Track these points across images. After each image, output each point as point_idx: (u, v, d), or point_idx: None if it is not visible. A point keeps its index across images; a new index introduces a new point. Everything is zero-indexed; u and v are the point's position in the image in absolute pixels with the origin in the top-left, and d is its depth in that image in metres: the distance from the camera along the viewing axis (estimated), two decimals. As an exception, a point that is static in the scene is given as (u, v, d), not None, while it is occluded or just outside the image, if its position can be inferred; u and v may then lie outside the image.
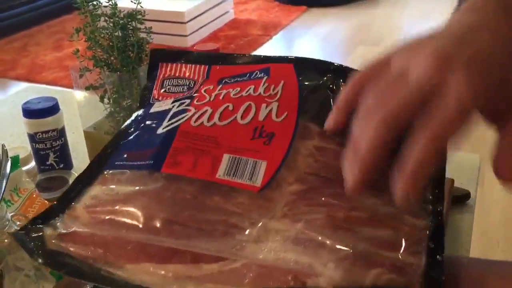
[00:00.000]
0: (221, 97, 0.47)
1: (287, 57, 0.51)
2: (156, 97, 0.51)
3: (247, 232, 0.37)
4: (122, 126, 0.49)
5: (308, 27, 2.20)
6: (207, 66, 0.52)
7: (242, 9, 2.47)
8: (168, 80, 0.52)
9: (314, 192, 0.39)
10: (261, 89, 0.46)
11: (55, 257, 0.38)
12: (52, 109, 0.83)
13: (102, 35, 0.73)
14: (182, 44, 2.00)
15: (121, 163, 0.44)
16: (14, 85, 1.78)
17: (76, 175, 0.81)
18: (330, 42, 2.02)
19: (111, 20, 0.74)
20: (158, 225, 0.38)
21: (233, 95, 0.46)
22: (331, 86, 0.47)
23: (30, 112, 0.82)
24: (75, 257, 0.38)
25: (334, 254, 0.34)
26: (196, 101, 0.47)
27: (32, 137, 0.83)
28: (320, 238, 0.36)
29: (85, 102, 0.79)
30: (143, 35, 0.77)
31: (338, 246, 0.35)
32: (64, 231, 0.40)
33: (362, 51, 1.84)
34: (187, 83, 0.51)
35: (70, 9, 2.59)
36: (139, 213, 0.39)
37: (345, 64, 0.49)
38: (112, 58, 0.74)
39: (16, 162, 0.73)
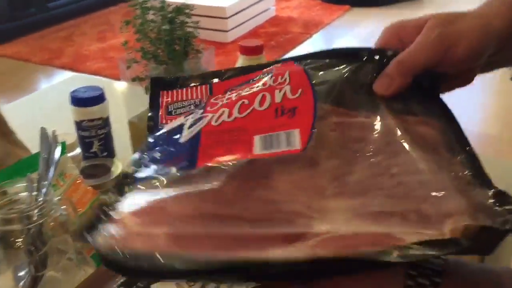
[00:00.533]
0: (233, 98, 0.47)
1: (287, 58, 0.52)
2: (163, 122, 0.50)
3: (308, 216, 0.37)
4: (135, 156, 0.46)
5: (350, 27, 2.18)
6: (208, 85, 0.53)
7: (283, 6, 2.46)
8: (172, 105, 0.51)
9: (352, 165, 0.40)
10: (269, 82, 0.47)
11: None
12: (99, 98, 0.85)
13: (151, 28, 0.75)
14: (222, 39, 2.02)
15: (157, 167, 0.43)
16: (58, 74, 1.83)
17: (119, 163, 0.84)
18: (371, 43, 2.00)
19: (160, 13, 0.75)
20: (214, 222, 0.37)
21: (245, 93, 0.47)
22: (336, 67, 0.48)
23: (77, 100, 0.84)
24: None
25: (405, 220, 0.35)
26: (210, 108, 0.47)
27: (79, 125, 0.85)
28: (383, 209, 0.36)
29: (131, 93, 0.80)
30: (190, 29, 0.78)
31: (404, 212, 0.36)
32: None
33: (404, 53, 1.82)
34: (193, 103, 0.51)
35: (115, 1, 2.64)
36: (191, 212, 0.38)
37: None
38: (159, 50, 0.75)
39: (63, 148, 0.76)
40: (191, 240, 0.36)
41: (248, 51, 0.85)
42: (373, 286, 0.36)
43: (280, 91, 0.45)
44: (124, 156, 0.90)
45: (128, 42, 0.75)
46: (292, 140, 0.41)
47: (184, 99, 0.52)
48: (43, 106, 1.19)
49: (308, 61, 0.50)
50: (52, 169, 0.61)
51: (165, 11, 0.75)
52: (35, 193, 0.62)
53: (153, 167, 0.43)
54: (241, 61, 0.87)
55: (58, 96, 1.19)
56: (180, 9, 0.75)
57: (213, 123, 0.45)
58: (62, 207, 0.65)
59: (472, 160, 0.39)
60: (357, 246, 0.34)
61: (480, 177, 0.38)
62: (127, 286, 0.55)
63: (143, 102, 0.79)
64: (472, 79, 0.52)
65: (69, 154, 0.81)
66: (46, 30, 2.36)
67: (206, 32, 2.05)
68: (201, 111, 0.47)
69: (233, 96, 0.47)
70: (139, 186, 0.41)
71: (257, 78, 0.49)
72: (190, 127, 0.45)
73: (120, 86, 0.81)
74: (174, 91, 0.53)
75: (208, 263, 0.34)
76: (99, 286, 0.59)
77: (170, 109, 0.51)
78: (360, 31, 2.15)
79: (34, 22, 2.33)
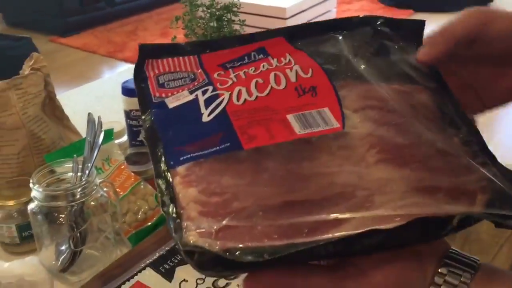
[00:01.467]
0: (243, 77, 0.46)
1: (273, 31, 0.51)
2: (157, 95, 0.46)
3: (364, 188, 0.38)
4: (143, 130, 0.44)
5: (411, 32, 2.14)
6: (196, 56, 0.50)
7: (345, 9, 2.45)
8: (162, 76, 0.48)
9: (386, 134, 0.41)
10: (274, 63, 0.47)
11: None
12: (148, 89, 0.89)
13: (199, 24, 0.78)
14: (280, 39, 2.03)
15: (189, 155, 0.40)
16: (120, 66, 1.90)
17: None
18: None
19: (208, 10, 0.78)
20: (277, 208, 0.36)
21: (253, 72, 0.46)
22: (332, 41, 0.49)
23: (127, 91, 0.88)
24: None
25: (449, 196, 0.38)
26: (220, 85, 0.45)
27: (127, 114, 0.90)
28: (430, 183, 0.38)
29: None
30: (237, 27, 0.80)
31: (445, 187, 0.38)
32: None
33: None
34: (187, 76, 0.48)
35: (179, -2, 2.72)
36: (251, 201, 0.37)
37: None
38: (205, 46, 0.78)
39: (110, 135, 0.80)
40: (268, 231, 0.35)
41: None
42: (398, 277, 0.36)
43: (291, 71, 0.45)
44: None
45: (177, 38, 0.78)
46: (328, 118, 0.42)
47: (173, 70, 0.48)
48: (99, 95, 1.26)
49: (300, 41, 0.50)
50: (95, 152, 0.65)
51: (213, 9, 0.78)
52: (79, 173, 0.67)
53: (183, 150, 0.40)
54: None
55: (114, 86, 1.25)
56: (228, 7, 0.78)
57: (235, 102, 0.43)
58: (104, 189, 0.70)
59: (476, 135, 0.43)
60: (421, 214, 0.35)
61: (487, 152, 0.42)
62: (154, 266, 0.58)
63: (188, 95, 0.83)
64: None
65: (116, 141, 0.85)
66: (113, 24, 2.46)
67: (264, 32, 2.08)
68: (211, 87, 0.45)
69: (241, 73, 0.46)
70: (179, 170, 0.39)
71: (253, 58, 0.48)
72: (207, 105, 0.43)
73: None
74: (159, 61, 0.49)
75: (289, 250, 0.34)
76: (132, 264, 0.63)
77: (161, 81, 0.47)
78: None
79: (102, 16, 2.44)
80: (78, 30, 2.42)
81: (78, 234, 0.66)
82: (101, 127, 0.66)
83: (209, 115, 0.43)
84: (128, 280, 0.56)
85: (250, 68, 0.47)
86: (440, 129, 0.43)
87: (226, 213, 0.35)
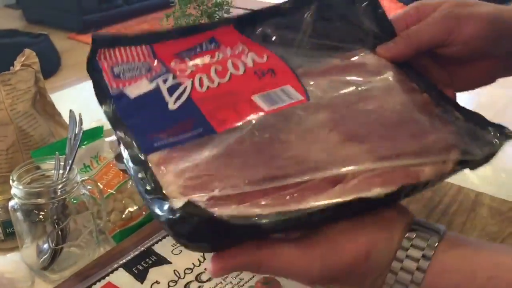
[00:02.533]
0: (200, 65, 0.47)
1: (221, 20, 0.54)
2: (113, 86, 0.46)
3: (336, 161, 0.39)
4: (107, 119, 0.45)
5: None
6: (148, 46, 0.49)
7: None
8: (117, 67, 0.47)
9: (347, 114, 0.43)
10: (228, 52, 0.48)
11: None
12: (141, 87, 0.88)
13: (189, 22, 0.77)
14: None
15: (163, 142, 0.41)
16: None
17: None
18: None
19: (200, 7, 0.77)
20: (260, 181, 0.38)
21: (209, 61, 0.47)
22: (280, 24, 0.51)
23: (121, 88, 0.88)
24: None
25: (419, 156, 0.40)
26: (179, 73, 0.46)
27: (121, 111, 0.90)
28: (395, 151, 0.40)
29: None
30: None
31: (413, 151, 0.40)
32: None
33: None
34: (141, 65, 0.47)
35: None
36: (237, 174, 0.38)
37: None
38: (195, 44, 0.77)
39: (100, 132, 0.80)
40: (256, 199, 0.37)
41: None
42: (367, 243, 0.37)
43: (246, 57, 0.47)
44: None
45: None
46: (291, 93, 0.44)
47: (127, 61, 0.48)
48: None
49: (249, 28, 0.51)
50: (75, 150, 0.65)
51: (204, 6, 0.77)
52: (61, 171, 0.66)
53: (158, 136, 0.41)
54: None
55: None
56: (220, 4, 0.76)
57: (198, 89, 0.44)
58: (88, 187, 0.69)
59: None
60: (396, 179, 0.38)
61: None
62: (126, 267, 0.57)
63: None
64: (494, 79, 0.53)
65: (108, 139, 0.85)
66: (130, 22, 2.47)
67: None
68: (170, 76, 0.46)
69: (198, 62, 0.47)
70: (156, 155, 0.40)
71: (206, 48, 0.49)
72: (171, 93, 0.44)
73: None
74: (112, 51, 0.48)
75: (279, 217, 0.36)
76: (108, 264, 0.62)
77: (116, 72, 0.47)
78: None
79: (119, 14, 2.46)
80: (96, 28, 2.44)
81: (60, 232, 0.65)
82: (82, 125, 0.66)
83: (175, 102, 0.44)
84: (99, 280, 0.56)
85: (206, 56, 0.48)
86: (403, 91, 0.46)
87: (213, 187, 0.37)
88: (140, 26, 2.41)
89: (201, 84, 0.45)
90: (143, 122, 0.43)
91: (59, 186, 0.64)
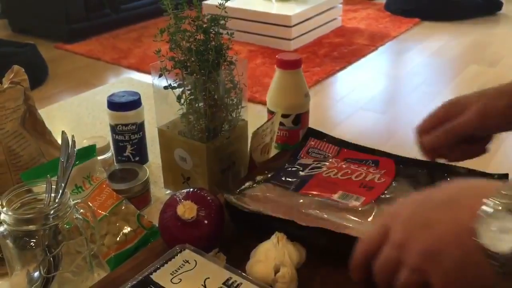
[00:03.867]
0: (344, 166, 0.76)
1: (391, 154, 0.78)
2: (302, 156, 0.81)
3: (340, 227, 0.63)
4: (285, 162, 0.80)
5: (418, 40, 2.08)
6: (338, 147, 0.81)
7: (350, 17, 2.40)
8: (312, 149, 0.82)
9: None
10: (371, 169, 0.75)
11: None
12: (134, 103, 0.86)
13: (184, 37, 0.74)
14: (285, 47, 1.99)
15: (275, 182, 0.75)
16: (125, 73, 1.89)
17: (147, 170, 0.84)
18: (440, 59, 1.90)
19: (195, 23, 0.75)
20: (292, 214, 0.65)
21: (353, 167, 0.75)
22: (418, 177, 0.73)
23: (113, 105, 0.85)
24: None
25: None
26: (329, 164, 0.77)
27: (113, 128, 0.87)
28: None
29: (163, 101, 0.80)
30: (225, 40, 0.77)
31: None
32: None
33: (475, 71, 1.71)
34: (324, 154, 0.80)
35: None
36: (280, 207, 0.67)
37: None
38: (191, 60, 0.75)
39: (93, 151, 0.77)
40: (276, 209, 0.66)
41: (285, 65, 0.83)
42: None
43: (373, 175, 0.73)
44: (157, 162, 0.91)
45: (162, 51, 0.75)
46: (358, 201, 0.68)
47: (321, 149, 0.82)
48: (89, 107, 1.23)
49: (402, 165, 0.75)
50: (67, 174, 0.62)
51: (200, 21, 0.75)
52: (53, 194, 0.64)
53: (280, 178, 0.75)
54: (277, 75, 0.84)
55: (104, 98, 1.23)
56: (215, 19, 0.74)
57: (323, 174, 0.74)
58: (80, 210, 0.66)
59: None
60: None
61: None
62: (122, 299, 0.54)
63: (174, 110, 0.79)
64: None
65: (101, 157, 0.82)
66: (118, 31, 2.44)
67: (269, 40, 2.04)
68: (325, 163, 0.77)
69: (346, 165, 0.76)
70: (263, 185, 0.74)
71: (367, 163, 0.76)
72: (311, 169, 0.76)
73: (155, 93, 0.81)
74: (318, 141, 0.83)
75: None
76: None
77: (309, 151, 0.82)
78: (429, 45, 2.05)
79: (107, 23, 2.42)
80: (83, 37, 2.40)
81: (51, 259, 0.62)
82: (74, 147, 0.63)
83: (305, 172, 0.76)
84: (95, 312, 0.53)
85: (354, 165, 0.76)
86: None
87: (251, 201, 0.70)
88: (128, 36, 2.38)
89: (328, 173, 0.74)
90: (286, 172, 0.77)
91: (51, 212, 0.61)
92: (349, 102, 1.43)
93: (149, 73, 1.95)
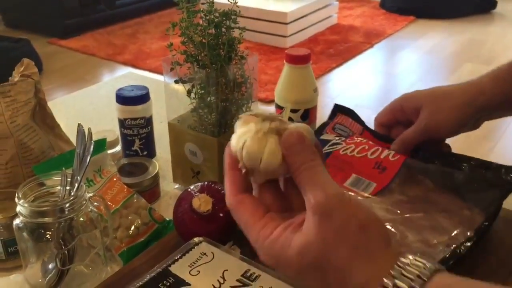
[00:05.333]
0: (363, 142, 0.75)
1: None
2: (327, 131, 0.80)
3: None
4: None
5: (414, 38, 2.10)
6: (362, 127, 0.81)
7: (346, 14, 2.42)
8: (338, 125, 0.81)
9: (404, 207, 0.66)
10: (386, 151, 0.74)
11: None
12: (143, 98, 0.86)
13: (196, 32, 0.75)
14: (281, 44, 2.00)
15: None
16: (120, 69, 1.88)
17: (156, 164, 0.84)
18: (435, 56, 1.92)
19: (207, 17, 0.75)
20: None
21: (371, 143, 0.74)
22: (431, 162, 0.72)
23: (122, 99, 0.85)
24: None
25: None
26: (348, 141, 0.75)
27: (122, 123, 0.87)
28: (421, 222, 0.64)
29: (173, 95, 0.81)
30: (236, 35, 0.77)
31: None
32: None
33: (470, 69, 1.73)
34: (348, 131, 0.80)
35: (180, 1, 2.69)
36: None
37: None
38: (202, 54, 0.75)
39: (103, 145, 0.77)
40: None
41: (294, 60, 0.83)
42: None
43: (388, 152, 0.73)
44: (164, 157, 0.91)
45: (174, 45, 0.75)
46: (368, 188, 0.69)
47: (346, 125, 0.81)
48: (94, 101, 1.23)
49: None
50: (84, 166, 0.62)
51: (212, 15, 0.75)
52: (68, 187, 0.64)
53: None
54: (286, 70, 0.85)
55: (110, 92, 1.22)
56: (227, 14, 0.75)
57: (341, 152, 0.74)
58: (94, 203, 0.66)
59: None
60: None
61: None
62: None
63: (184, 104, 0.79)
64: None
65: (110, 151, 0.82)
66: (113, 27, 2.43)
67: (265, 36, 2.04)
68: (343, 138, 0.76)
69: (364, 141, 0.75)
70: None
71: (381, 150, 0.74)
72: (331, 145, 0.75)
73: (166, 87, 0.81)
74: (344, 117, 0.82)
75: None
76: (124, 284, 0.59)
77: (335, 127, 0.81)
78: (425, 42, 2.06)
79: (102, 18, 2.41)
80: (78, 32, 2.39)
81: (66, 252, 0.62)
82: (91, 139, 0.63)
83: (324, 150, 0.74)
84: (116, 304, 0.53)
85: (371, 144, 0.74)
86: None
87: None
88: (123, 31, 2.37)
89: (345, 150, 0.73)
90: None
91: (67, 205, 0.61)
92: (345, 99, 1.44)
93: (144, 69, 1.95)
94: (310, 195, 0.38)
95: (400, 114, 0.75)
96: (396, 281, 0.35)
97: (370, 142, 0.75)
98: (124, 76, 1.58)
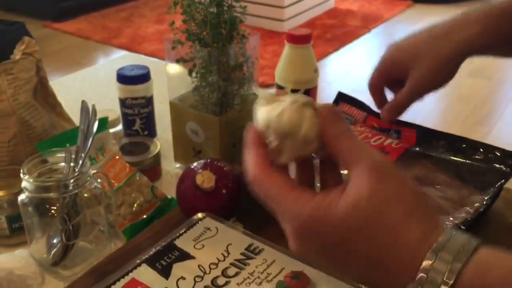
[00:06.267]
0: (366, 131, 0.78)
1: (414, 124, 0.77)
2: None
3: None
4: None
5: (411, 23, 2.10)
6: (365, 113, 0.81)
7: (343, -1, 2.42)
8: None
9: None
10: (392, 137, 0.76)
11: None
12: (144, 77, 0.86)
13: (198, 10, 0.75)
14: (278, 28, 2.00)
15: None
16: (116, 53, 1.87)
17: (158, 143, 0.84)
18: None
19: (208, -5, 0.75)
20: None
21: (374, 132, 0.77)
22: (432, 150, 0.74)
23: (123, 78, 0.85)
24: None
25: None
26: (352, 127, 0.76)
27: (123, 102, 0.87)
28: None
29: (174, 74, 0.81)
30: (237, 13, 0.77)
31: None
32: None
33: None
34: (351, 120, 0.81)
35: (176, -16, 2.67)
36: None
37: None
38: (204, 33, 0.75)
39: (105, 124, 0.77)
40: None
41: (295, 39, 0.83)
42: None
43: (391, 140, 0.75)
44: (165, 136, 0.91)
45: (175, 23, 0.75)
46: None
47: (348, 113, 0.82)
48: (93, 82, 1.23)
49: (424, 136, 0.76)
50: (89, 142, 0.63)
51: (213, -6, 0.75)
52: (72, 164, 0.64)
53: None
54: (287, 50, 0.85)
55: (109, 73, 1.21)
56: (228, -8, 0.75)
57: None
58: (98, 180, 0.67)
59: None
60: None
61: None
62: (150, 262, 0.55)
63: (185, 84, 0.80)
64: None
65: (111, 130, 0.82)
66: (108, 10, 2.41)
67: (262, 21, 2.03)
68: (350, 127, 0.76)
69: (367, 130, 0.78)
70: None
71: (389, 133, 0.77)
72: None
73: (167, 67, 0.82)
74: (347, 105, 0.83)
75: None
76: (129, 258, 0.60)
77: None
78: (422, 27, 2.06)
79: (97, 1, 2.39)
80: (72, 16, 2.37)
81: (71, 227, 0.63)
82: (96, 116, 0.63)
83: None
84: (123, 276, 0.54)
85: (376, 132, 0.78)
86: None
87: None
88: (118, 15, 2.35)
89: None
90: None
91: (72, 180, 0.61)
92: (342, 84, 1.45)
93: (140, 53, 1.94)
94: (361, 155, 0.37)
95: (388, 78, 0.72)
96: (442, 253, 0.33)
97: (374, 131, 0.77)
98: (123, 57, 1.58)
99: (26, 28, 1.96)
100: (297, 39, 0.83)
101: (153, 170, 0.82)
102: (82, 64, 1.58)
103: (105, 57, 1.81)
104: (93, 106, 0.64)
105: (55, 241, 0.64)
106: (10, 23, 1.98)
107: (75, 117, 0.84)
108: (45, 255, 0.65)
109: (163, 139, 0.91)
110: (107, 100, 1.08)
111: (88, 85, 1.20)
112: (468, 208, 0.63)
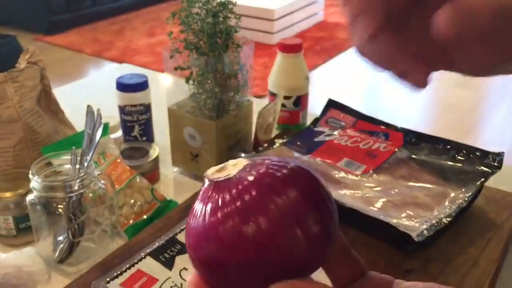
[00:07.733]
0: (355, 135, 0.83)
1: (401, 128, 0.83)
2: (321, 124, 0.88)
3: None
4: (305, 128, 0.91)
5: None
6: (355, 119, 0.86)
7: (332, 11, 2.47)
8: (331, 119, 0.88)
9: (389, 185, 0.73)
10: (380, 141, 0.81)
11: None
12: (142, 85, 0.90)
13: (195, 21, 0.79)
14: (268, 41, 2.05)
15: (292, 146, 0.83)
16: (107, 65, 1.90)
17: (156, 147, 0.88)
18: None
19: (205, 7, 0.79)
20: None
21: (363, 136, 0.82)
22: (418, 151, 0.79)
23: (122, 86, 0.89)
24: None
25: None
26: (342, 133, 0.83)
27: (122, 109, 0.90)
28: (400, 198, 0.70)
29: (172, 82, 0.85)
30: (232, 23, 0.81)
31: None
32: None
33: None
34: (340, 124, 0.87)
35: (166, -2, 2.71)
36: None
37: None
38: (201, 42, 0.79)
39: (106, 129, 0.81)
40: None
41: (287, 48, 0.88)
42: None
43: (379, 144, 0.80)
44: (162, 142, 0.95)
45: (173, 33, 0.79)
46: (359, 169, 0.76)
47: (338, 119, 0.88)
48: (91, 92, 1.26)
49: (410, 138, 0.81)
50: (94, 144, 0.66)
51: (209, 5, 0.79)
52: (77, 166, 0.67)
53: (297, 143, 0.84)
54: (279, 58, 0.89)
55: (105, 83, 1.25)
56: (224, 4, 0.79)
57: (335, 141, 0.82)
58: (101, 181, 0.70)
59: None
60: None
61: None
62: (154, 255, 0.58)
63: (182, 91, 0.84)
64: None
65: (111, 136, 0.86)
66: (99, 23, 2.44)
67: (252, 33, 2.08)
68: (337, 131, 0.84)
69: (357, 134, 0.83)
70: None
71: (377, 135, 0.82)
72: (326, 136, 0.83)
73: (162, 77, 0.86)
74: (337, 111, 0.89)
75: None
76: (132, 255, 0.63)
77: (328, 121, 0.88)
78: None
79: (88, 15, 2.43)
80: (64, 29, 2.40)
81: (76, 225, 0.66)
82: (101, 119, 0.67)
83: (318, 139, 0.83)
84: (129, 268, 0.57)
85: (364, 135, 0.83)
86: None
87: None
88: (110, 28, 2.39)
89: (339, 140, 0.82)
90: (302, 137, 0.86)
91: (78, 181, 0.64)
92: (332, 96, 1.50)
93: (133, 65, 1.97)
94: None
95: None
96: None
97: (363, 135, 0.82)
98: (120, 67, 1.61)
99: (18, 42, 1.99)
100: (289, 48, 0.88)
101: (152, 173, 0.85)
102: (74, 77, 1.61)
103: (97, 69, 1.83)
104: (98, 110, 0.67)
105: (60, 238, 0.67)
106: (2, 36, 2.01)
107: (75, 124, 0.88)
108: (51, 253, 0.67)
109: (160, 144, 0.95)
110: (105, 108, 1.11)
111: (85, 95, 1.23)
112: (451, 205, 0.67)
